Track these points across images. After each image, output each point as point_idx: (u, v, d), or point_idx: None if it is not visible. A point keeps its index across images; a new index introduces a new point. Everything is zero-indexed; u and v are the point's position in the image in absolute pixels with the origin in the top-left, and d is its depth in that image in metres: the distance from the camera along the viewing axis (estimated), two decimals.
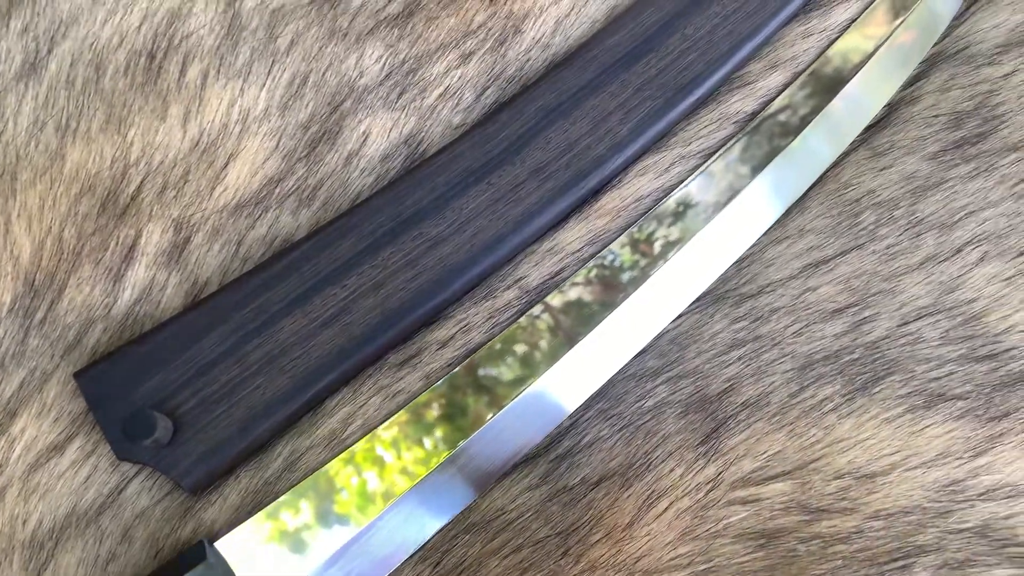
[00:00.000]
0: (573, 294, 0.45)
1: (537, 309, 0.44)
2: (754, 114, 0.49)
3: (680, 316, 0.45)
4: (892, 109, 0.49)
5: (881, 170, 0.47)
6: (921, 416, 0.43)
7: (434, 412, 0.42)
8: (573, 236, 0.47)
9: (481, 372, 0.43)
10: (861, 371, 0.44)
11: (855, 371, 0.44)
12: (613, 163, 0.47)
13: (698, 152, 0.48)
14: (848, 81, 0.49)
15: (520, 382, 0.42)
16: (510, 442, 0.42)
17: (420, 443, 0.42)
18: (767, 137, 0.48)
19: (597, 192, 0.47)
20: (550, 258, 0.46)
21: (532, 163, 0.47)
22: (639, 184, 0.47)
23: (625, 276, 0.45)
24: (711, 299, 0.46)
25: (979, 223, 0.45)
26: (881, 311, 0.44)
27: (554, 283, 0.46)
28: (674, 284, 0.45)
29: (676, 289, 0.45)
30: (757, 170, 0.47)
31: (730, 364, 0.44)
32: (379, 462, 0.42)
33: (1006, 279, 0.45)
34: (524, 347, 0.44)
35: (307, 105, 0.47)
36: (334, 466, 0.41)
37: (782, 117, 0.48)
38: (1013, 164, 0.46)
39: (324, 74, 0.48)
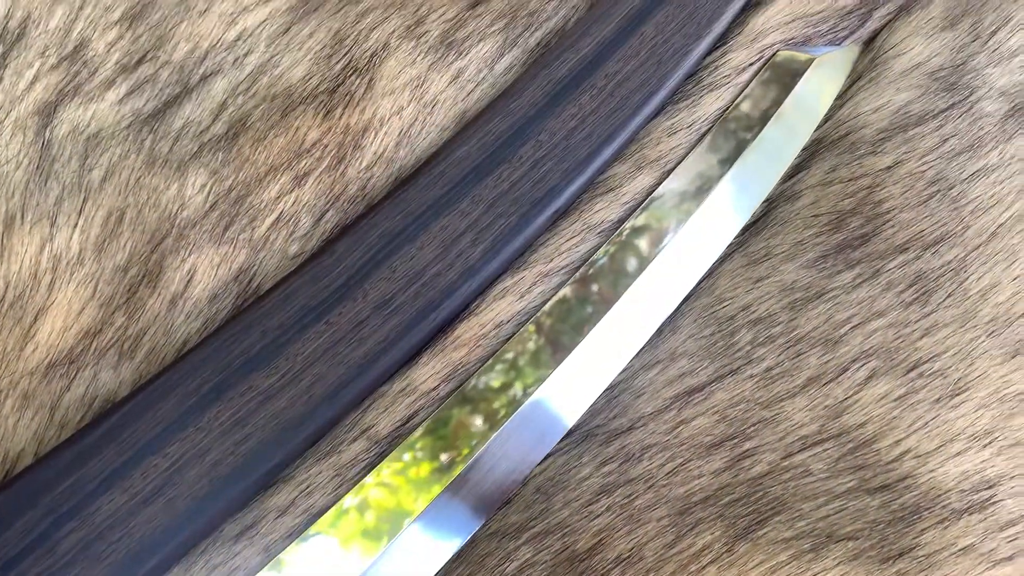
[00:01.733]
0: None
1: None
2: (620, 221, 0.45)
3: (547, 458, 0.41)
4: (771, 207, 0.45)
5: (757, 281, 0.43)
6: (810, 562, 0.38)
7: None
8: (428, 374, 0.42)
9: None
10: (743, 513, 0.39)
11: (736, 513, 0.39)
12: (466, 290, 0.43)
13: (561, 268, 0.44)
14: (721, 178, 0.45)
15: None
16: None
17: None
18: (630, 249, 0.44)
19: (452, 322, 0.43)
20: (402, 400, 0.42)
21: (376, 296, 0.42)
22: (498, 308, 0.43)
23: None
24: (579, 437, 0.42)
25: (866, 337, 0.41)
26: (762, 443, 0.40)
27: (408, 429, 0.42)
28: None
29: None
30: (624, 287, 0.43)
31: (600, 514, 0.40)
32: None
33: (897, 399, 0.41)
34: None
35: (125, 245, 0.43)
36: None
37: (649, 222, 0.44)
38: (900, 268, 0.42)
39: (142, 209, 0.43)
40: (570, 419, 0.41)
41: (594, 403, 0.42)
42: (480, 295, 0.43)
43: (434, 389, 0.42)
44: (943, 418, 0.41)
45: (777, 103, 0.46)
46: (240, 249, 0.43)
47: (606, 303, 0.43)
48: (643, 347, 0.43)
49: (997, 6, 0.46)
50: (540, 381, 0.41)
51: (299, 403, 0.41)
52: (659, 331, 0.43)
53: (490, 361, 0.42)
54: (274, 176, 0.44)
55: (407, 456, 0.40)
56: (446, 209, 0.44)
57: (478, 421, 0.41)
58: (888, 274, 0.42)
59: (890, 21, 0.47)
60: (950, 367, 0.41)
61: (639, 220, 0.44)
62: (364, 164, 0.44)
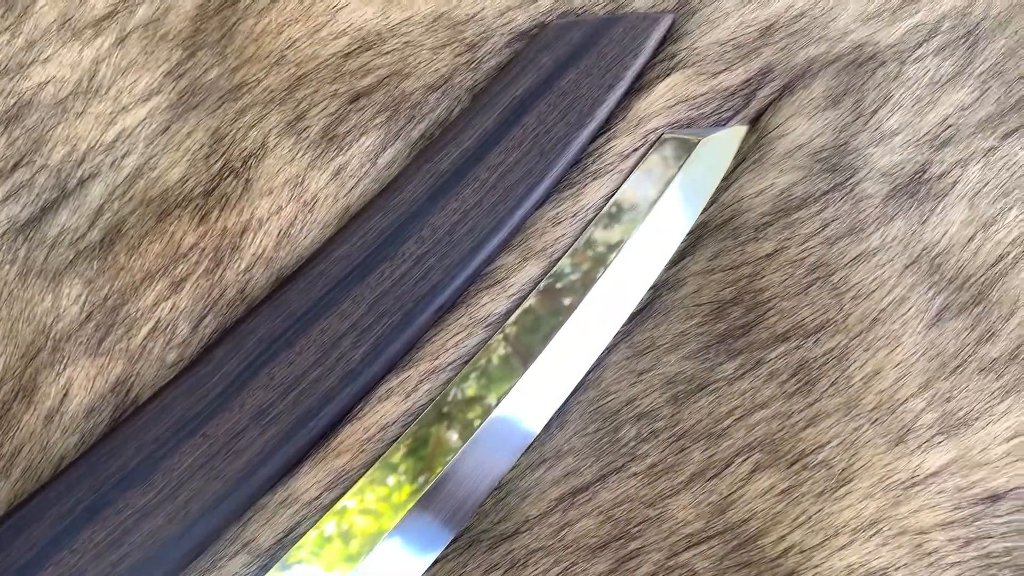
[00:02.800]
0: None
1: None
2: (508, 313, 0.44)
3: (433, 565, 0.41)
4: (656, 295, 0.44)
5: (641, 374, 0.42)
6: None
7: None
8: (310, 483, 0.41)
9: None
10: None
11: None
12: (347, 394, 0.42)
13: (449, 364, 0.43)
14: (606, 266, 0.44)
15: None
16: None
17: None
18: (518, 341, 0.43)
19: (334, 427, 0.42)
20: (284, 511, 0.41)
21: (253, 406, 0.42)
22: (383, 410, 0.42)
23: None
24: (465, 542, 0.41)
25: (749, 429, 0.41)
26: (648, 543, 0.40)
27: (291, 539, 0.41)
28: None
29: None
30: (512, 383, 0.42)
31: None
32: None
33: (781, 492, 0.40)
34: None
35: None
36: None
37: (537, 313, 0.44)
38: (782, 357, 0.42)
39: (16, 323, 0.42)
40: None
41: (482, 504, 0.41)
42: (363, 398, 0.43)
43: (317, 498, 0.41)
44: (827, 511, 0.40)
45: (662, 187, 0.46)
46: (117, 360, 0.42)
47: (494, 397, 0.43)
48: (532, 444, 0.42)
49: (878, 84, 0.46)
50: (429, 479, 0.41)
51: (177, 520, 0.40)
52: (547, 427, 0.43)
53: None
54: (150, 283, 0.43)
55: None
56: (326, 311, 0.43)
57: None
58: (770, 364, 0.42)
59: (774, 100, 0.47)
60: (834, 457, 0.41)
61: (526, 311, 0.44)
62: (243, 266, 0.44)
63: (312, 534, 0.40)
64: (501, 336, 0.44)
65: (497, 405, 0.42)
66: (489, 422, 0.42)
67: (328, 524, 0.40)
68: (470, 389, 0.43)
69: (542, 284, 0.45)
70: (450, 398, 0.42)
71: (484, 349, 0.43)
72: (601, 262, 0.45)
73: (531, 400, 0.43)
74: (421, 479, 0.41)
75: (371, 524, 0.40)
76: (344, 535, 0.40)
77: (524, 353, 0.43)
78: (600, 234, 0.45)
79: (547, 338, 0.43)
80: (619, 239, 0.45)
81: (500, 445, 0.42)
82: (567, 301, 0.44)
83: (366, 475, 0.41)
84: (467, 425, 0.42)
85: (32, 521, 0.40)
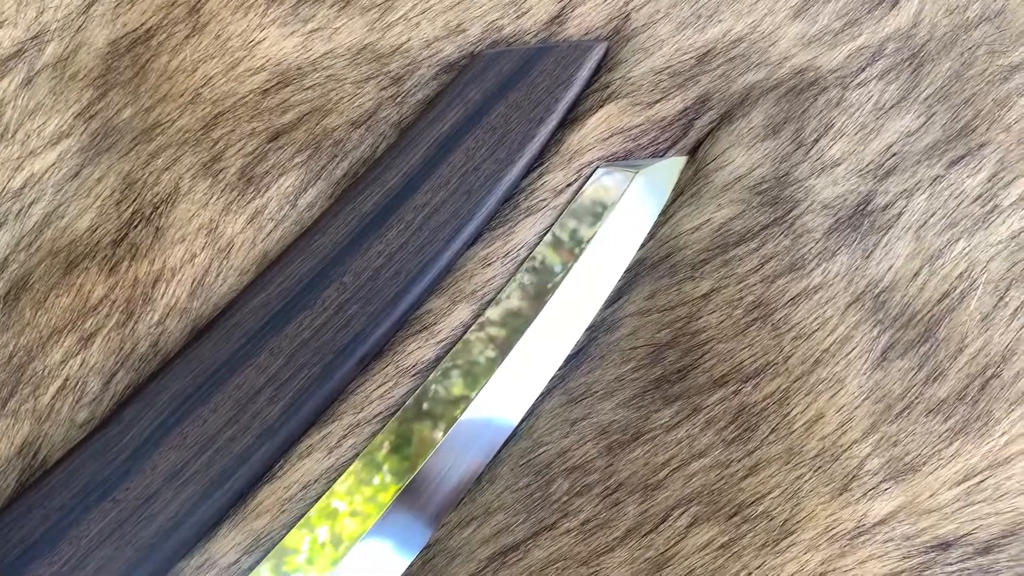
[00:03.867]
0: None
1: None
2: (437, 360, 0.42)
3: None
4: (592, 337, 0.42)
5: (574, 423, 0.41)
6: None
7: None
8: (228, 546, 0.39)
9: None
10: None
11: None
12: (265, 453, 0.40)
13: (374, 416, 0.41)
14: (541, 307, 0.42)
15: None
16: None
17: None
18: (446, 390, 0.41)
19: (253, 487, 0.40)
20: None
21: (166, 467, 0.39)
22: (304, 467, 0.40)
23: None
24: None
25: (687, 480, 0.39)
26: None
27: None
28: None
29: None
30: (440, 434, 0.40)
31: None
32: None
33: (721, 546, 0.39)
34: None
35: None
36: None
37: (465, 360, 0.42)
38: (720, 403, 0.40)
39: None
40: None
41: (409, 567, 0.39)
42: (283, 455, 0.41)
43: (235, 563, 0.39)
44: (769, 564, 0.38)
45: (598, 223, 0.44)
46: (23, 421, 0.40)
47: (421, 451, 0.41)
48: (462, 499, 0.40)
49: (819, 112, 0.45)
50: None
51: None
52: (478, 480, 0.41)
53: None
54: (58, 339, 0.41)
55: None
56: (241, 365, 0.41)
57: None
58: (708, 411, 0.40)
59: (713, 130, 0.45)
60: (776, 508, 0.39)
61: (454, 359, 0.42)
62: (155, 319, 0.42)
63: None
64: (431, 382, 0.42)
65: (429, 455, 0.40)
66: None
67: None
68: (398, 437, 0.41)
69: (472, 328, 0.43)
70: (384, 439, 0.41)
71: (411, 399, 0.41)
72: (536, 302, 0.43)
73: (464, 452, 0.41)
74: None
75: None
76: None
77: (454, 401, 0.41)
78: (531, 276, 0.43)
79: (475, 385, 0.41)
80: (553, 279, 0.43)
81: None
82: (499, 343, 0.42)
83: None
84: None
85: None
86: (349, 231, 0.43)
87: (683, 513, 0.39)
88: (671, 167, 0.45)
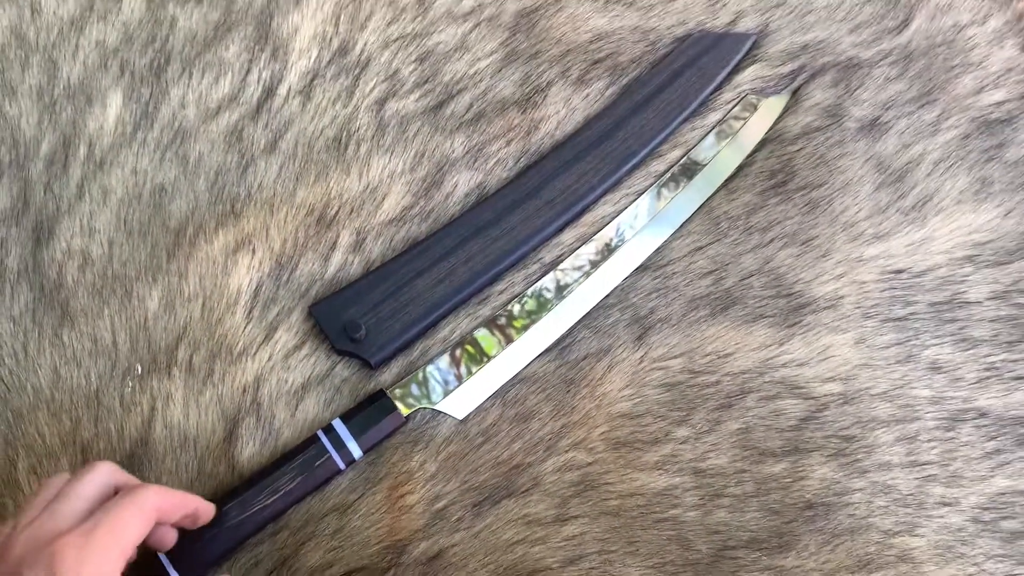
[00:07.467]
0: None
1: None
2: (667, 171, 0.90)
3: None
4: (739, 170, 0.90)
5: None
6: None
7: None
8: (571, 237, 0.87)
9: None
10: None
11: None
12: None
13: (650, 176, 0.89)
14: (716, 158, 0.90)
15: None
16: None
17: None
18: (672, 184, 0.89)
19: (584, 211, 0.88)
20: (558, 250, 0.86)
21: (548, 195, 0.87)
22: (611, 201, 0.88)
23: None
24: None
25: (782, 228, 0.86)
26: None
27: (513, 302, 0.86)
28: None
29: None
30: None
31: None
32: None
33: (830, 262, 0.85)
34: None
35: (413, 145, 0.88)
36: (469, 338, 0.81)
37: (670, 175, 0.90)
38: (801, 196, 0.87)
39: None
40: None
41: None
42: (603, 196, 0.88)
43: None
44: None
45: (743, 124, 0.92)
46: (482, 169, 0.89)
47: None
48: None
49: (859, 76, 0.93)
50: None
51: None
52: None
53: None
54: (497, 141, 0.90)
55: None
56: (568, 169, 0.89)
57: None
58: (794, 199, 0.88)
59: (805, 82, 0.93)
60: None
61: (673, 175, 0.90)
62: (541, 135, 0.90)
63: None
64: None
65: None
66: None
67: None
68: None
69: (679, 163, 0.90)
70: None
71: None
72: (708, 156, 0.90)
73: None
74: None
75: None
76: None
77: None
78: (710, 142, 0.91)
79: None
80: (724, 144, 0.91)
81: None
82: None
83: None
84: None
85: (442, 239, 0.85)
86: (630, 106, 0.91)
87: (782, 249, 0.86)
88: (783, 98, 0.93)
